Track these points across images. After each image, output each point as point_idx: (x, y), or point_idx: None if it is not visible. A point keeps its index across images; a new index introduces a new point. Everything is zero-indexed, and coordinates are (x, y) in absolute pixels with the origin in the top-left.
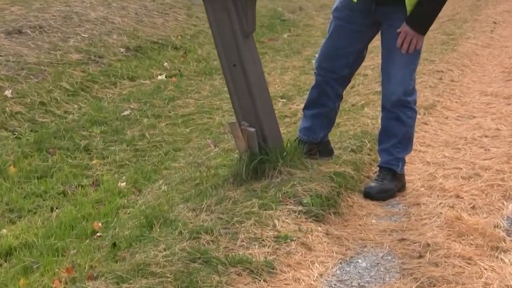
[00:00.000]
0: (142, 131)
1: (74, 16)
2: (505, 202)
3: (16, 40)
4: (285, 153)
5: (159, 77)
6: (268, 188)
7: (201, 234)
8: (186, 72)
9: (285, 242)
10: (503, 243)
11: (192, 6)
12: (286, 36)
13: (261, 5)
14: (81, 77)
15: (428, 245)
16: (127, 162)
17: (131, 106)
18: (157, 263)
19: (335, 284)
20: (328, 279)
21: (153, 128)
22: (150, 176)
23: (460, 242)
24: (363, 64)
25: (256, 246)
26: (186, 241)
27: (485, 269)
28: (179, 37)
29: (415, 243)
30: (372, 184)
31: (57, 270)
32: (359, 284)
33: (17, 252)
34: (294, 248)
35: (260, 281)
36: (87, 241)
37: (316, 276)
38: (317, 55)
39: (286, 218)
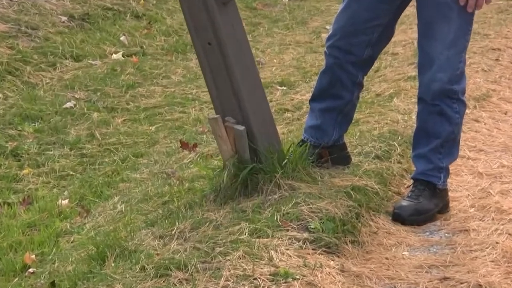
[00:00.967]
0: (91, 130)
1: None
2: None
3: None
4: (285, 161)
5: (114, 56)
6: (263, 208)
7: (171, 270)
8: (150, 49)
9: (285, 282)
10: None
11: None
12: (287, 1)
13: None
14: (8, 55)
15: (480, 286)
16: (71, 172)
17: (76, 96)
18: None
19: None
20: None
21: (105, 126)
22: (102, 191)
23: None
24: (392, 39)
25: (246, 287)
26: (151, 280)
27: None
28: (141, 1)
29: (462, 283)
30: (404, 203)
31: None
32: None
33: None
34: None
35: None
36: (15, 279)
37: None
38: (329, 28)
39: (287, 249)
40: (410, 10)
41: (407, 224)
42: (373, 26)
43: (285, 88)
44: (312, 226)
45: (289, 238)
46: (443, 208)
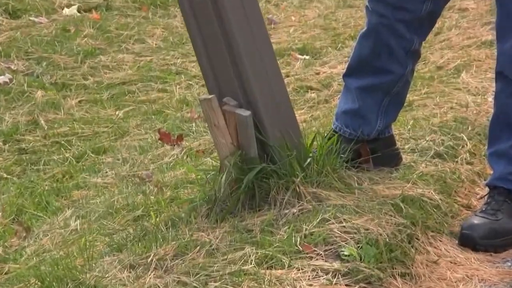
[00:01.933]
0: (33, 115)
1: None
2: None
3: None
4: (308, 160)
5: (66, 11)
6: (276, 226)
7: None
8: (118, 0)
9: None
10: None
11: None
12: None
13: None
14: None
15: None
16: (4, 175)
17: (12, 67)
18: None
19: None
20: None
21: (54, 110)
22: (48, 202)
23: None
24: None
25: None
26: None
27: None
28: None
29: None
30: (476, 221)
31: None
32: None
33: None
34: None
35: None
36: None
37: None
38: None
39: (310, 285)
40: None
41: (480, 250)
42: None
43: (307, 57)
44: (345, 253)
45: (313, 270)
46: None
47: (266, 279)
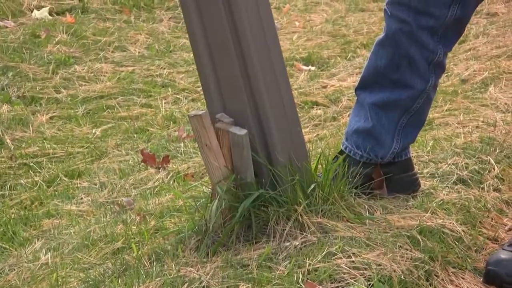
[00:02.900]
0: None
1: None
2: None
3: None
4: (312, 185)
5: (36, 14)
6: (275, 261)
7: None
8: (95, 2)
9: None
10: None
11: None
12: None
13: None
14: None
15: None
16: None
17: None
18: None
19: None
20: None
21: (21, 127)
22: (15, 232)
23: None
24: None
25: None
26: None
27: None
28: None
29: None
30: (503, 256)
31: None
32: None
33: None
34: None
35: None
36: None
37: None
38: None
39: None
40: None
41: None
42: None
43: (313, 68)
44: None
45: None
46: None
47: None
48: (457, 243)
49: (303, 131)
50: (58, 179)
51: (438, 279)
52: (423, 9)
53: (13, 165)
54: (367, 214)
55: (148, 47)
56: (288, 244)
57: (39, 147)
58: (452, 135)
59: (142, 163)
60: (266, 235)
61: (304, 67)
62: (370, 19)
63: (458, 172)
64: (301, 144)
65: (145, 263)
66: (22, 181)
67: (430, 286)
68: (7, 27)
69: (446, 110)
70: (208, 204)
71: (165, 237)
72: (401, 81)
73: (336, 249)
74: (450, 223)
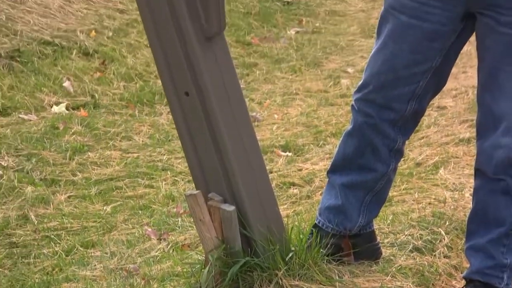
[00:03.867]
0: (24, 210)
1: None
2: None
3: None
4: (290, 254)
5: (55, 109)
6: None
7: None
8: (105, 99)
9: None
10: None
11: None
12: (294, 34)
13: None
14: None
15: None
16: None
17: (3, 163)
18: None
19: None
20: None
21: (43, 205)
22: None
23: None
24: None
25: None
26: None
27: None
28: (92, 32)
29: None
30: None
31: None
32: None
33: None
34: None
35: None
36: None
37: None
38: (351, 72)
39: None
40: (464, 48)
41: None
42: (419, 72)
43: (290, 154)
44: None
45: None
46: None
47: None
48: None
49: (281, 207)
50: (75, 249)
51: None
52: (386, 104)
53: (37, 237)
54: (337, 278)
55: (150, 137)
56: None
57: (58, 221)
58: (409, 210)
59: (146, 235)
60: None
61: (283, 153)
62: (338, 112)
63: (413, 241)
64: (279, 219)
65: None
66: (44, 251)
67: None
68: (30, 120)
69: (403, 189)
70: (202, 270)
71: None
72: (366, 166)
73: None
74: (407, 285)
